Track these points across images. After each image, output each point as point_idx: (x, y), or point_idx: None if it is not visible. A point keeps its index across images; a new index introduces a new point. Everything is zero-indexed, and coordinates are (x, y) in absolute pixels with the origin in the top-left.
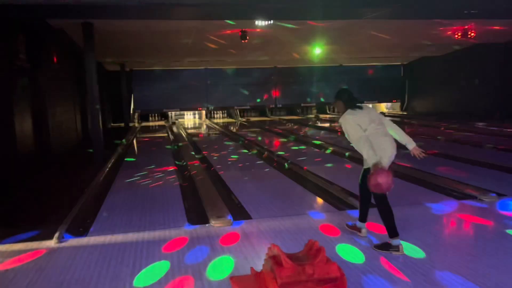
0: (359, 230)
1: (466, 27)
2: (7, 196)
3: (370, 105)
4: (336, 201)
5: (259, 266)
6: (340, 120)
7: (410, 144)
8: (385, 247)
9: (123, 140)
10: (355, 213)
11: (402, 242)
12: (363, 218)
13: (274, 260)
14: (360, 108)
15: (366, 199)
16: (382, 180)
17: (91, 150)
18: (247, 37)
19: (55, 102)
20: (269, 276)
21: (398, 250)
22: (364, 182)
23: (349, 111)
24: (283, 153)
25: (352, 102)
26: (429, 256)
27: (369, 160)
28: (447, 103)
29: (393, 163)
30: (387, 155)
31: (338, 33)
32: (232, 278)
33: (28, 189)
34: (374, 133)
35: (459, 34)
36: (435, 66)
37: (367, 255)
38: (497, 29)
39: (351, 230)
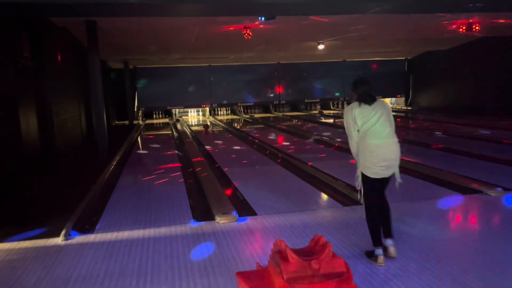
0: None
1: (471, 20)
2: (13, 194)
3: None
4: (341, 197)
5: (264, 262)
6: (344, 110)
7: None
8: (369, 254)
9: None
10: (360, 208)
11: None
12: (382, 236)
13: (280, 255)
14: (369, 103)
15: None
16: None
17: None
18: (250, 34)
19: (59, 100)
20: (275, 271)
21: (376, 260)
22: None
23: (354, 103)
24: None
25: (364, 97)
26: (435, 250)
27: (357, 163)
28: (452, 97)
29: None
30: (377, 162)
31: (341, 28)
32: (238, 273)
33: (34, 187)
34: (367, 132)
35: (464, 28)
36: (440, 60)
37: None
38: (502, 23)
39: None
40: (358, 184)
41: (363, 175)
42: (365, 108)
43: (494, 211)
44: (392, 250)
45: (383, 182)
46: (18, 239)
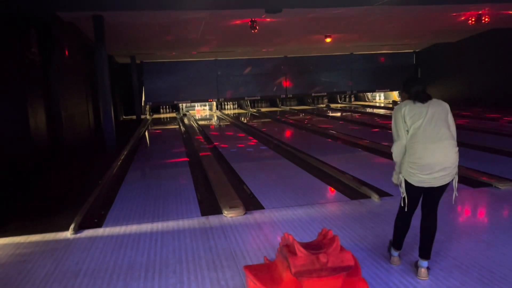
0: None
1: (480, 12)
2: (23, 188)
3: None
4: (349, 190)
5: (272, 255)
6: (394, 108)
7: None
8: (389, 246)
9: None
10: (368, 202)
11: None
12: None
13: (288, 249)
14: (422, 101)
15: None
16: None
17: None
18: (257, 27)
19: (67, 95)
20: (283, 265)
21: (389, 259)
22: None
23: (406, 101)
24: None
25: (418, 95)
26: (444, 243)
27: (400, 167)
28: (461, 90)
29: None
30: (425, 168)
31: (349, 20)
32: (246, 267)
33: (43, 181)
34: (417, 132)
35: (473, 19)
36: (449, 53)
37: (380, 244)
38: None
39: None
40: (402, 191)
41: (406, 182)
42: (418, 105)
43: (503, 204)
44: (423, 272)
45: (433, 193)
46: (27, 233)
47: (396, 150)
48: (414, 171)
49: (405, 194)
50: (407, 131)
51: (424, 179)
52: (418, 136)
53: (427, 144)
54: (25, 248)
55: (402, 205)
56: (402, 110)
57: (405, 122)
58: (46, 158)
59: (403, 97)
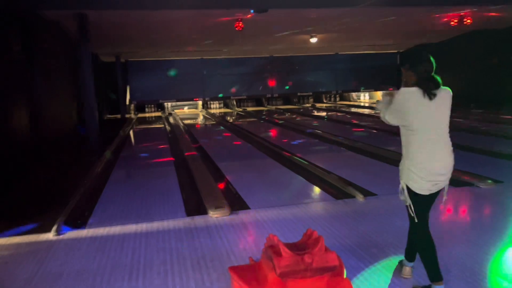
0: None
1: (462, 13)
2: (4, 188)
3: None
4: (334, 190)
5: (257, 256)
6: (400, 91)
7: None
8: (400, 263)
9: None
10: (353, 202)
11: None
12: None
13: (273, 249)
14: (430, 96)
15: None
16: None
17: None
18: (243, 27)
19: (50, 94)
20: (268, 265)
21: (399, 271)
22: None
23: (415, 91)
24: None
25: (427, 82)
26: None
27: (400, 172)
28: None
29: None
30: (427, 175)
31: (333, 21)
32: (231, 268)
33: (25, 181)
34: (417, 130)
35: (455, 21)
36: (432, 53)
37: (364, 243)
38: (493, 15)
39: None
40: (406, 199)
41: (409, 190)
42: (426, 101)
43: (485, 204)
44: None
45: (430, 198)
46: (9, 235)
47: (382, 114)
48: (415, 176)
49: (409, 202)
50: (404, 126)
51: (424, 186)
52: (418, 137)
53: (430, 144)
54: (6, 249)
55: (410, 213)
56: (408, 102)
57: (404, 117)
58: (28, 157)
59: (406, 77)
